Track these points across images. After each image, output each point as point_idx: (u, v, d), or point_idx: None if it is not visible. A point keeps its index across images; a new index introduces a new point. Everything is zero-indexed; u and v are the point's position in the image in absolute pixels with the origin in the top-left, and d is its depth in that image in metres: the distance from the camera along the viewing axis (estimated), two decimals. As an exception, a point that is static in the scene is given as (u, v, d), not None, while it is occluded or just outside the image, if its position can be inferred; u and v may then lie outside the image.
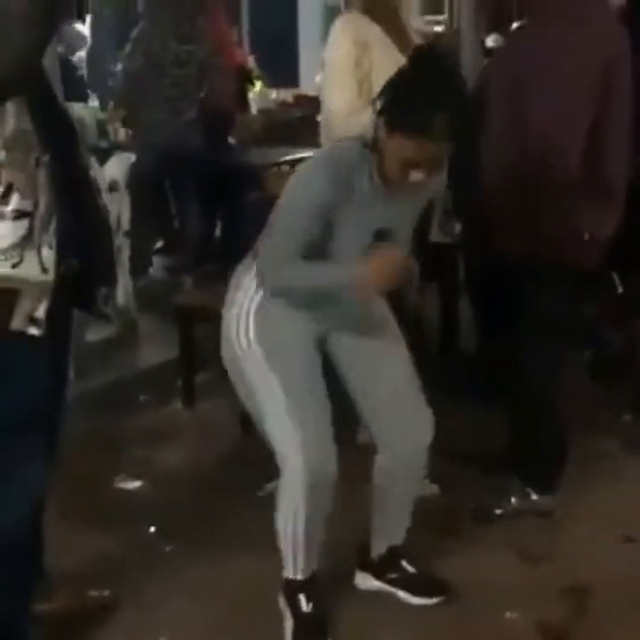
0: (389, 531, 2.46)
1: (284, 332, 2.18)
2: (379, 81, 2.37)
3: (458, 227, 3.21)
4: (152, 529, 2.82)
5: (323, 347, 2.29)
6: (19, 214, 1.89)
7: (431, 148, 1.94)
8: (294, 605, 2.29)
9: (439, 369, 3.72)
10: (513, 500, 2.83)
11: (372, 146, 2.03)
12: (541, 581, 2.53)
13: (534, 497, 2.83)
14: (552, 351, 2.71)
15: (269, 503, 2.28)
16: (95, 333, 4.08)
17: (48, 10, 1.76)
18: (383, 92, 2.01)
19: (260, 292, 2.18)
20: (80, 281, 2.05)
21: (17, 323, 1.94)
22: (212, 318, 3.55)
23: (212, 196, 4.98)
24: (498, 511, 2.84)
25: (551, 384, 2.76)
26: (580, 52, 2.47)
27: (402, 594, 2.45)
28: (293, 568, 2.28)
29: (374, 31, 2.84)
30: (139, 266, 4.56)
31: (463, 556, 2.64)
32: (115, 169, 4.23)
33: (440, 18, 6.78)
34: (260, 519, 2.38)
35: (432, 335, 3.93)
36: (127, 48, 4.71)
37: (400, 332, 2.35)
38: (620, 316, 3.64)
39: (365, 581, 2.50)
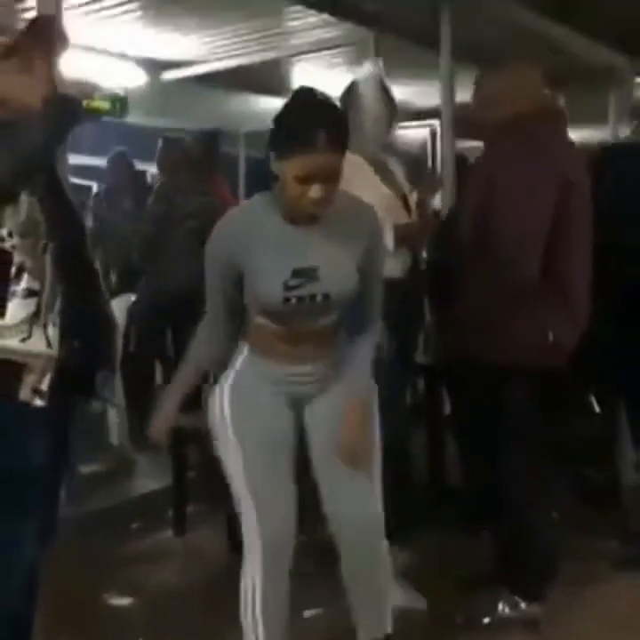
0: (367, 624, 2.45)
1: (253, 403, 2.28)
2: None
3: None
4: (141, 640, 2.82)
5: (297, 410, 2.35)
6: (29, 293, 2.08)
7: (316, 160, 2.02)
8: None
9: (426, 499, 3.84)
10: (500, 607, 2.84)
11: (274, 189, 2.17)
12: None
13: (522, 605, 2.83)
14: (528, 456, 2.79)
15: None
16: (89, 466, 4.20)
17: (61, 116, 2.01)
18: (270, 136, 2.12)
19: (237, 366, 2.31)
20: (79, 365, 2.21)
21: (24, 394, 2.09)
22: (205, 441, 3.73)
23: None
24: (486, 620, 2.84)
25: (532, 488, 2.83)
26: (538, 175, 2.67)
27: None
28: None
29: (354, 161, 3.04)
30: (136, 404, 4.68)
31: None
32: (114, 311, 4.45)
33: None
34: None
35: (419, 467, 4.01)
36: (151, 198, 5.03)
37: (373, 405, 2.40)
38: (603, 442, 3.74)
39: None
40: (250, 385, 2.30)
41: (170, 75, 6.67)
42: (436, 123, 6.43)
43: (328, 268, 2.18)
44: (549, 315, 2.71)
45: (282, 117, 2.11)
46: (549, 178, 2.68)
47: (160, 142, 5.23)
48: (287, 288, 2.14)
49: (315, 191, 2.07)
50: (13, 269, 2.05)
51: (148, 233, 4.94)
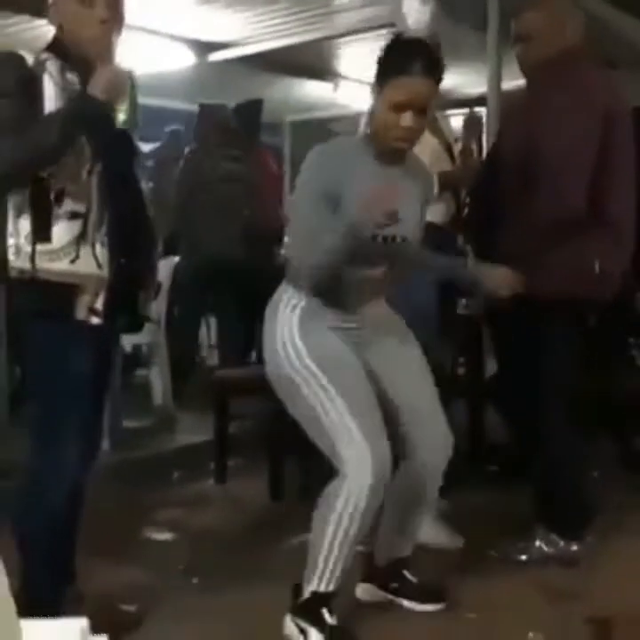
0: (399, 544, 2.53)
1: (329, 345, 2.28)
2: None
3: (480, 301, 3.40)
4: (181, 567, 2.87)
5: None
6: (72, 215, 2.15)
7: (412, 84, 2.18)
8: (319, 620, 2.27)
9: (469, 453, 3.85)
10: (538, 544, 2.84)
11: (368, 125, 2.29)
12: (565, 612, 2.51)
13: (560, 543, 2.83)
14: (572, 388, 2.81)
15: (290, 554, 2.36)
16: (132, 422, 4.29)
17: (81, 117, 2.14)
18: (375, 74, 2.26)
19: (298, 312, 2.30)
20: (124, 284, 2.28)
21: (80, 313, 2.17)
22: (248, 393, 3.79)
23: (250, 307, 5.21)
24: (523, 557, 2.85)
25: (575, 429, 2.84)
26: (581, 110, 2.70)
27: (406, 603, 2.51)
28: (328, 579, 2.25)
29: None
30: (179, 366, 4.76)
31: (487, 589, 2.65)
32: (160, 272, 4.53)
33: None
34: (280, 565, 2.49)
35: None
36: (180, 164, 5.14)
37: (418, 348, 2.48)
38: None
39: (368, 593, 2.56)
40: (315, 323, 2.30)
41: (217, 56, 6.75)
42: (482, 111, 6.44)
43: (406, 212, 2.28)
44: (596, 245, 2.72)
45: (384, 50, 2.28)
46: (592, 110, 2.70)
47: (197, 111, 5.32)
48: (378, 226, 2.20)
49: (406, 119, 2.20)
50: (52, 194, 2.12)
51: (179, 198, 5.04)
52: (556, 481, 2.85)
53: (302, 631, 2.29)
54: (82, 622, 1.46)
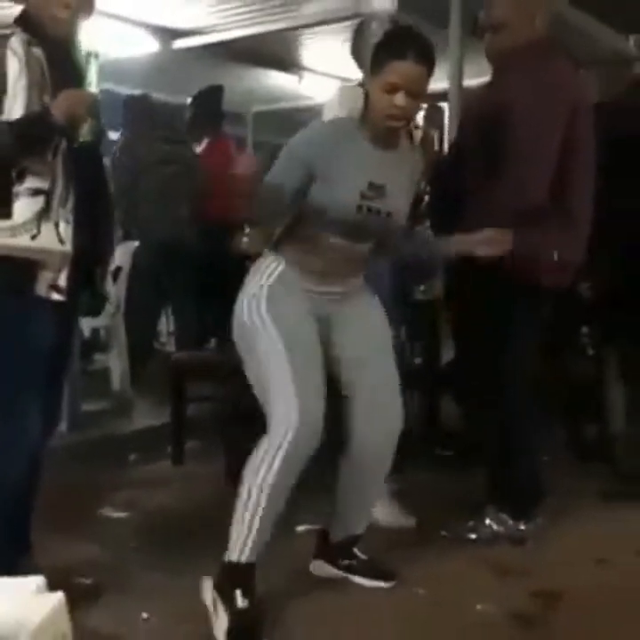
0: (352, 521, 2.59)
1: (291, 309, 2.37)
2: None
3: (440, 286, 3.47)
4: (135, 545, 2.90)
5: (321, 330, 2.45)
6: (34, 192, 2.17)
7: (405, 68, 2.27)
8: (230, 600, 2.26)
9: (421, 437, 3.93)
10: (487, 523, 2.91)
11: (363, 110, 2.38)
12: (513, 586, 2.58)
13: (509, 522, 2.90)
14: (527, 372, 2.87)
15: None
16: (90, 405, 4.30)
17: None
18: (371, 61, 2.37)
19: (272, 278, 2.40)
20: (84, 259, 2.30)
21: (40, 289, 2.19)
22: (205, 376, 3.82)
23: (206, 292, 5.22)
24: (473, 535, 2.92)
25: (528, 410, 2.91)
26: (547, 99, 2.74)
27: (357, 579, 2.58)
28: (240, 549, 2.27)
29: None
30: (138, 350, 4.77)
31: (436, 566, 2.72)
32: (119, 256, 4.53)
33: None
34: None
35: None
36: (115, 154, 5.12)
37: (386, 325, 2.56)
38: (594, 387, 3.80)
39: (321, 568, 2.62)
40: (286, 287, 2.39)
41: (182, 43, 6.74)
42: (444, 105, 6.50)
43: (394, 189, 2.43)
44: (555, 234, 2.78)
45: (382, 38, 2.43)
46: (558, 101, 2.74)
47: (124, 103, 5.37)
48: (363, 197, 2.37)
49: (399, 99, 2.30)
50: (14, 172, 2.14)
51: (119, 184, 5.03)
52: (509, 462, 2.91)
53: (214, 605, 2.29)
54: (38, 579, 1.50)
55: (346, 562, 2.59)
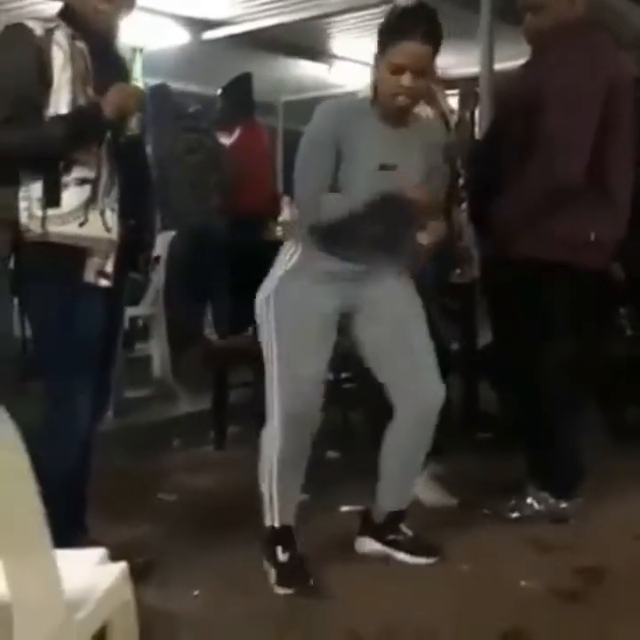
0: (395, 496, 2.65)
1: (298, 301, 2.44)
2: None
3: (477, 269, 3.49)
4: (185, 525, 2.97)
5: (346, 321, 2.54)
6: (81, 181, 2.24)
7: (410, 47, 2.29)
8: (274, 558, 2.49)
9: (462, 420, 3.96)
10: (529, 501, 2.94)
11: (372, 91, 2.41)
12: (556, 563, 2.62)
13: (551, 501, 2.93)
14: (565, 353, 2.89)
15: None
16: (133, 392, 4.38)
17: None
18: (377, 40, 2.38)
19: (286, 268, 2.47)
20: (130, 245, 2.37)
21: (88, 276, 2.26)
22: (245, 362, 3.87)
23: (241, 277, 5.27)
24: (514, 514, 2.95)
25: (566, 389, 2.93)
26: (587, 77, 2.74)
27: (401, 555, 2.63)
28: (271, 515, 2.49)
29: None
30: (177, 337, 4.84)
31: (479, 543, 2.76)
32: (158, 245, 4.60)
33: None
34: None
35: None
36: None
37: (421, 309, 2.58)
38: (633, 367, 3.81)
39: (365, 545, 2.69)
40: (300, 276, 2.46)
41: (211, 34, 6.79)
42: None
43: (406, 169, 2.42)
44: (591, 214, 2.79)
45: (386, 17, 2.40)
46: (597, 81, 2.74)
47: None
48: (370, 178, 2.38)
49: (406, 79, 2.32)
50: (62, 163, 2.21)
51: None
52: (548, 443, 2.94)
53: (268, 567, 2.51)
54: (101, 551, 1.56)
55: (391, 537, 2.65)
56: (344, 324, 2.55)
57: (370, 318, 2.54)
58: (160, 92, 5.45)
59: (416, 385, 2.52)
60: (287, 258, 2.49)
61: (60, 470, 2.28)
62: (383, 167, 2.38)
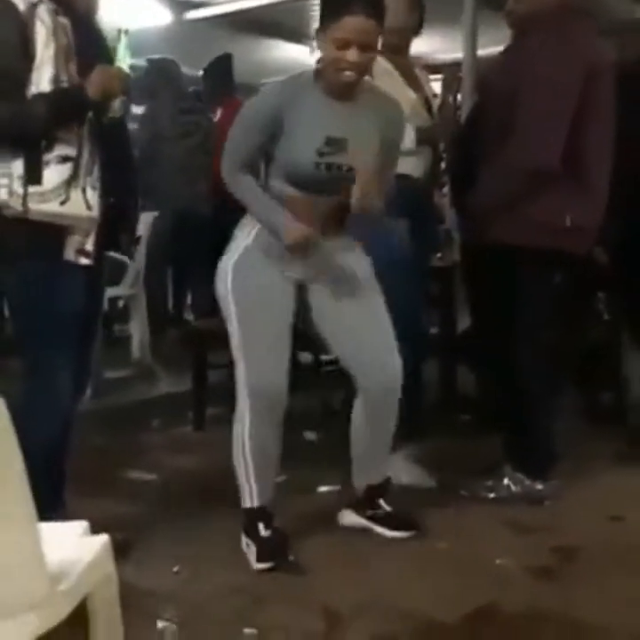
0: (367, 472, 2.70)
1: (255, 280, 2.46)
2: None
3: (457, 253, 3.52)
4: (164, 503, 2.99)
5: (303, 294, 2.56)
6: (63, 159, 2.23)
7: (354, 22, 2.28)
8: (256, 534, 2.50)
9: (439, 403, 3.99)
10: (505, 482, 2.97)
11: (317, 64, 2.41)
12: (531, 542, 2.65)
13: (526, 482, 2.96)
14: (543, 337, 2.92)
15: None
16: (112, 373, 4.37)
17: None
18: (319, 17, 2.38)
19: (244, 244, 2.48)
20: (110, 223, 2.37)
21: (68, 254, 2.26)
22: (224, 343, 3.88)
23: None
24: (491, 494, 2.98)
25: (544, 373, 2.96)
26: (565, 63, 2.76)
27: (379, 529, 2.68)
28: (249, 496, 2.51)
29: (382, 65, 3.19)
30: (157, 318, 4.84)
31: (456, 522, 2.80)
32: (139, 226, 4.59)
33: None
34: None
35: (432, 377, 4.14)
36: (137, 125, 5.17)
37: (377, 285, 2.60)
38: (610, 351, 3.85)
39: (346, 518, 2.74)
40: (255, 261, 2.47)
41: (194, 14, 6.76)
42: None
43: (355, 142, 2.41)
44: (567, 199, 2.81)
45: None
46: (576, 67, 2.76)
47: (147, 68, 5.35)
48: (319, 154, 2.38)
49: (352, 54, 2.31)
50: (43, 140, 2.20)
51: (141, 154, 5.08)
52: (525, 425, 2.98)
53: (248, 545, 2.52)
54: (83, 524, 1.57)
55: (370, 512, 2.70)
56: (300, 300, 2.56)
57: (325, 293, 2.55)
58: (166, 67, 5.40)
59: (374, 361, 2.55)
60: (241, 238, 2.49)
61: (41, 446, 2.27)
62: (330, 140, 2.37)
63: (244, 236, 2.49)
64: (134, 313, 4.70)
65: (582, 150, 2.80)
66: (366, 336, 2.56)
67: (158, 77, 5.27)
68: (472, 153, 2.97)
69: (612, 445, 3.51)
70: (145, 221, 4.67)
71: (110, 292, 4.41)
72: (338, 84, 2.38)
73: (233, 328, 2.47)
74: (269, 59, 8.33)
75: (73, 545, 1.51)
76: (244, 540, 2.53)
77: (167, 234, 4.93)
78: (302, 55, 8.16)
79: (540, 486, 2.97)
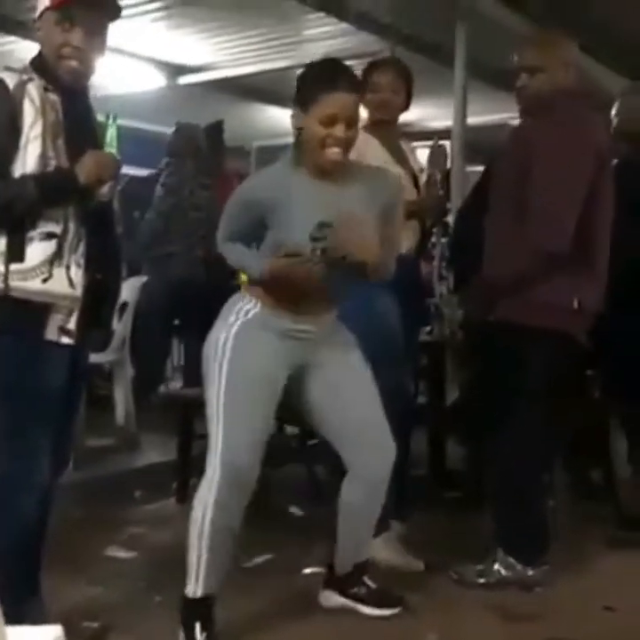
0: (355, 549, 2.63)
1: (254, 345, 2.40)
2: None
3: (447, 328, 3.49)
4: (142, 585, 2.88)
5: (297, 376, 2.50)
6: (46, 235, 2.19)
7: (339, 98, 2.30)
8: (189, 633, 2.38)
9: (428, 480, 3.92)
10: (496, 567, 2.89)
11: (297, 143, 2.40)
12: (524, 634, 2.57)
13: (518, 567, 2.88)
14: (538, 418, 2.86)
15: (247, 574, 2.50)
16: (95, 441, 4.29)
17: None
18: (295, 98, 2.39)
19: (241, 322, 2.41)
20: (95, 303, 2.32)
21: (50, 333, 2.20)
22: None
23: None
24: (481, 580, 2.90)
25: (539, 455, 2.92)
26: (579, 148, 2.76)
27: (364, 608, 2.61)
28: (194, 582, 2.38)
29: (369, 142, 3.13)
30: (144, 385, 4.77)
31: (448, 612, 2.71)
32: (126, 292, 4.55)
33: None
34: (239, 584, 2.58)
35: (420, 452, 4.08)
36: (159, 191, 5.18)
37: (365, 365, 2.56)
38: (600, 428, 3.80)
39: (329, 599, 2.67)
40: (255, 332, 2.41)
41: (188, 79, 6.82)
42: (446, 143, 6.55)
43: (349, 223, 2.35)
44: (575, 282, 2.80)
45: (304, 75, 2.41)
46: (587, 151, 2.77)
47: (174, 129, 5.36)
48: (313, 239, 2.34)
49: (339, 130, 2.30)
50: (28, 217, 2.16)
51: (158, 225, 5.09)
52: (516, 506, 2.91)
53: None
54: (57, 630, 1.48)
55: (354, 590, 2.63)
56: (292, 385, 2.50)
57: (316, 379, 2.51)
58: (193, 136, 5.39)
59: (366, 445, 2.51)
60: (242, 312, 2.43)
61: (18, 527, 2.21)
62: (322, 225, 2.34)
63: (241, 317, 2.42)
64: (118, 379, 4.62)
65: (589, 234, 2.79)
66: (361, 418, 2.51)
67: (182, 143, 5.28)
68: (476, 233, 2.95)
69: (603, 526, 3.45)
70: (133, 286, 4.64)
71: (94, 357, 4.35)
72: (324, 163, 2.36)
73: (216, 398, 2.38)
74: (261, 122, 8.41)
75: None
76: (181, 635, 2.39)
77: (162, 298, 4.90)
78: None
79: (531, 572, 2.89)
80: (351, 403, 2.51)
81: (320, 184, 2.38)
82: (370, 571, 2.67)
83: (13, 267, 2.15)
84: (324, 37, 5.99)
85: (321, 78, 2.35)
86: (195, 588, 2.39)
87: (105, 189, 2.27)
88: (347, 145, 2.35)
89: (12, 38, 5.60)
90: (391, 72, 3.30)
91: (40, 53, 2.29)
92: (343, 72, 2.36)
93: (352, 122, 2.33)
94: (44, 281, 2.18)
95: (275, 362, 2.42)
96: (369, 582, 2.65)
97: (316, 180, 2.38)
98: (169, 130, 7.57)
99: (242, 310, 2.43)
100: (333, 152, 2.33)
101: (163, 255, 5.02)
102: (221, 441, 2.35)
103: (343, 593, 2.64)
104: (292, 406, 2.62)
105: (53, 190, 2.17)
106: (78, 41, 2.22)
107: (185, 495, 3.82)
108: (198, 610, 2.39)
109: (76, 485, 3.60)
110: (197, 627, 2.37)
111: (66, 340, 2.24)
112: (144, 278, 4.78)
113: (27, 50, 5.23)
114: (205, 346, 2.45)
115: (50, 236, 2.19)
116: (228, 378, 2.37)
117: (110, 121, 2.34)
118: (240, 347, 2.39)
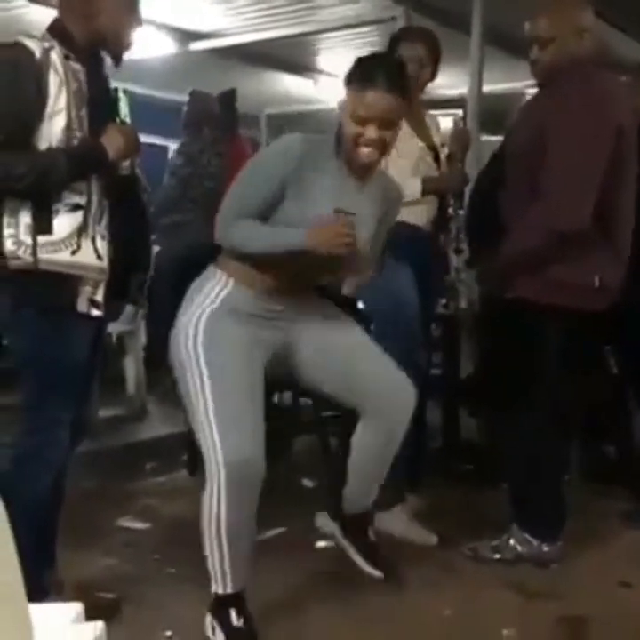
0: (364, 492, 2.54)
1: (228, 341, 2.27)
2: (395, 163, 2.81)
3: (463, 301, 3.44)
4: (156, 556, 2.87)
5: (285, 351, 2.41)
6: (72, 207, 2.15)
7: (374, 99, 2.19)
8: (226, 621, 2.27)
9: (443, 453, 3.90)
10: (511, 542, 2.87)
11: (337, 134, 2.30)
12: (539, 611, 2.55)
13: (534, 543, 2.86)
14: (556, 394, 2.82)
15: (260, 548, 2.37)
16: (106, 411, 4.27)
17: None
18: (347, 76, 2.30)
19: (215, 304, 2.31)
20: (119, 271, 2.28)
21: (81, 306, 2.18)
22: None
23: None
24: (496, 556, 2.88)
25: (557, 431, 2.88)
26: (597, 121, 2.66)
27: (356, 556, 2.55)
28: (222, 582, 2.26)
29: None
30: (155, 352, 4.73)
31: (462, 587, 2.69)
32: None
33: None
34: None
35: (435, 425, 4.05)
36: (178, 159, 5.13)
37: (351, 320, 2.52)
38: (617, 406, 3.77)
39: (326, 524, 2.65)
40: (226, 322, 2.30)
41: (198, 46, 6.73)
42: (459, 113, 6.45)
43: (359, 218, 2.31)
44: (596, 259, 2.72)
45: (353, 64, 2.30)
46: (606, 124, 2.66)
47: (188, 97, 5.29)
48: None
49: (371, 130, 2.21)
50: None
51: (174, 193, 5.03)
52: (532, 482, 2.88)
53: (213, 629, 2.30)
54: (77, 607, 1.47)
55: (353, 537, 2.57)
56: (281, 364, 2.43)
57: (306, 347, 2.43)
58: (209, 105, 5.29)
59: (384, 391, 2.43)
60: (213, 294, 2.33)
61: (35, 499, 2.20)
62: (338, 211, 2.27)
63: (209, 301, 2.31)
64: (129, 350, 4.59)
65: (610, 208, 2.70)
66: (372, 370, 2.44)
67: (199, 111, 5.20)
68: (492, 209, 2.87)
69: (618, 503, 3.42)
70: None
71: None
72: (356, 161, 2.29)
73: (199, 394, 2.21)
74: (272, 90, 8.32)
75: (65, 632, 1.40)
76: (210, 622, 2.30)
77: (175, 269, 4.85)
78: (305, 87, 8.17)
79: (546, 548, 2.87)
80: (356, 358, 2.44)
81: (347, 176, 2.33)
82: (370, 524, 2.60)
83: (42, 239, 2.12)
84: (338, 3, 5.89)
85: (358, 74, 2.25)
86: (223, 586, 2.26)
87: (126, 162, 2.25)
88: (382, 146, 2.26)
89: (22, 2, 5.53)
90: (419, 45, 3.16)
91: (58, 19, 2.24)
92: (384, 70, 2.23)
93: (389, 123, 2.23)
94: (73, 253, 2.15)
95: (249, 344, 2.29)
96: (371, 535, 2.58)
97: (345, 171, 2.33)
98: (178, 97, 7.63)
99: (212, 292, 2.33)
100: (365, 153, 2.25)
101: (174, 223, 4.96)
102: (218, 439, 2.17)
103: (344, 535, 2.57)
104: (294, 381, 2.54)
105: (84, 164, 2.15)
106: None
107: (195, 467, 3.81)
108: (230, 601, 2.28)
109: (87, 455, 3.60)
110: (233, 612, 2.27)
111: (95, 312, 2.22)
112: (156, 248, 4.72)
113: (35, 13, 5.31)
114: (173, 334, 2.33)
115: (76, 207, 2.16)
116: (207, 369, 2.22)
117: (122, 94, 2.29)
118: (214, 333, 2.26)
